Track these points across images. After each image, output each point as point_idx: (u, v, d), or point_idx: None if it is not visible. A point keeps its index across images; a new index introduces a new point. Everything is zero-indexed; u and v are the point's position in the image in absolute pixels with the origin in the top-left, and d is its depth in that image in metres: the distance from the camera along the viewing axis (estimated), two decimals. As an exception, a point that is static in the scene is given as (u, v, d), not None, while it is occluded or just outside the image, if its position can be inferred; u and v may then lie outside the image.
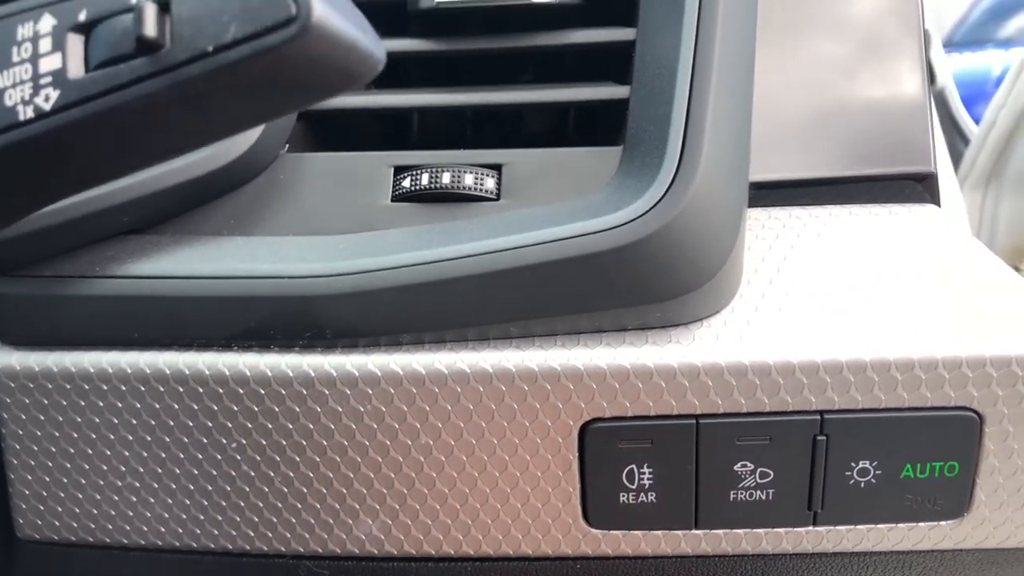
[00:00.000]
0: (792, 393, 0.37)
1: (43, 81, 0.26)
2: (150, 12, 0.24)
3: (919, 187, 0.44)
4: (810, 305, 0.39)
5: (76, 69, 0.26)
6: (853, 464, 0.38)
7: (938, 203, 0.44)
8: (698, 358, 0.37)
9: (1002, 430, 0.38)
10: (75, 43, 0.26)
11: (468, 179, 0.40)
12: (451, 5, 0.42)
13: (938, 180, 0.44)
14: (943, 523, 0.40)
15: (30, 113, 0.26)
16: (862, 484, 0.39)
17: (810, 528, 0.40)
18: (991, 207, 1.00)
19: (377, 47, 0.26)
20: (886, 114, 0.45)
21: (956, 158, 1.02)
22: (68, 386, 0.40)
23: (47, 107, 0.26)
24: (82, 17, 0.26)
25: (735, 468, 0.39)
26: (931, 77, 1.09)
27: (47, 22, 0.26)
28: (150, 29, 0.24)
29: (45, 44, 0.26)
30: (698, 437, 0.38)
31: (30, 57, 0.26)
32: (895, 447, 0.38)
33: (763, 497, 0.39)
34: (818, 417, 0.38)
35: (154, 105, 0.25)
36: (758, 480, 0.39)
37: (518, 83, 0.45)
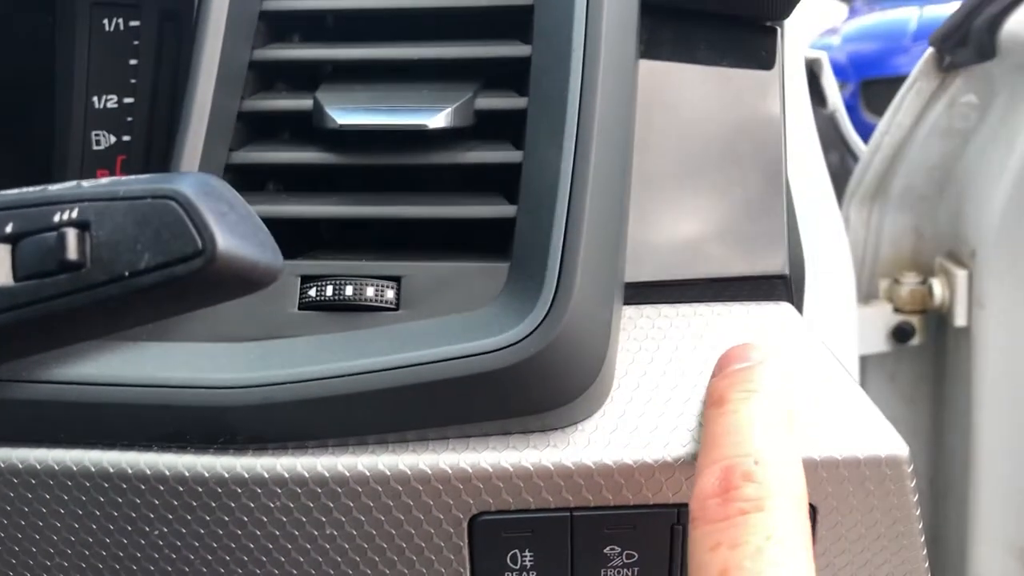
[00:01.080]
0: (652, 489, 0.43)
1: (-25, 286, 0.29)
2: (71, 237, 0.28)
3: (777, 285, 0.50)
4: (669, 408, 0.44)
5: (5, 277, 0.29)
6: (706, 546, 0.44)
7: (791, 300, 0.49)
8: (571, 460, 0.42)
9: (832, 520, 0.44)
10: (3, 253, 0.29)
11: (370, 291, 0.44)
12: (354, 126, 0.46)
13: (790, 281, 0.49)
14: (784, 591, 0.46)
15: (-36, 313, 0.29)
16: (714, 562, 0.44)
17: (671, 598, 0.46)
18: (876, 222, 1.08)
19: (276, 259, 0.30)
20: (748, 220, 0.50)
21: (846, 175, 1.09)
22: (-3, 480, 0.44)
23: (-21, 310, 0.29)
24: (8, 229, 0.29)
25: (604, 551, 0.44)
26: (822, 101, 1.16)
27: (-23, 230, 0.29)
28: (72, 253, 0.28)
29: (-25, 251, 0.29)
30: (572, 527, 0.43)
31: (-39, 262, 0.29)
32: (742, 532, 0.44)
33: (630, 574, 0.45)
34: (675, 510, 0.43)
35: (75, 313, 0.29)
36: (624, 560, 0.44)
37: (421, 192, 0.49)
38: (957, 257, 1.03)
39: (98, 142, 0.59)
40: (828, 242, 0.90)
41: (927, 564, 0.46)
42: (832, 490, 0.43)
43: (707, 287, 0.50)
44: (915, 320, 1.08)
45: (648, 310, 0.49)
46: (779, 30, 0.55)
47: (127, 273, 0.28)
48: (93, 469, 0.43)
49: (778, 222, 0.50)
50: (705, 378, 0.45)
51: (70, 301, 0.28)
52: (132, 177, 0.29)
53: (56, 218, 0.29)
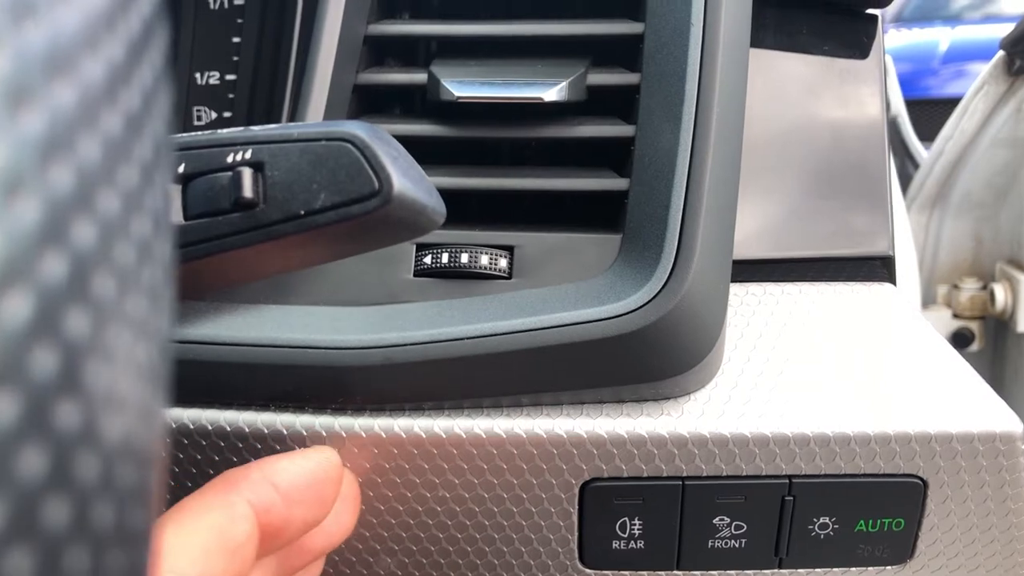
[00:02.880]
0: (765, 460, 0.43)
1: (148, 223, 0.30)
2: (247, 176, 0.29)
3: (879, 266, 0.50)
4: (781, 382, 0.44)
5: (176, 216, 0.30)
6: (815, 519, 0.44)
7: (894, 282, 0.50)
8: (686, 429, 0.43)
9: (942, 494, 0.44)
10: (174, 193, 0.30)
11: (484, 259, 0.45)
12: (471, 99, 0.47)
13: (895, 262, 0.50)
14: (888, 568, 0.46)
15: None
16: (822, 536, 0.45)
17: (776, 571, 0.46)
18: (935, 228, 1.07)
19: (440, 204, 0.30)
20: (853, 200, 0.50)
21: (906, 180, 1.09)
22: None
23: (151, 247, 0.30)
24: (180, 170, 0.30)
25: (714, 521, 0.44)
26: (887, 106, 1.16)
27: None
28: (248, 191, 0.29)
29: (149, 190, 0.30)
30: (683, 496, 0.44)
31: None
32: (851, 506, 0.44)
33: (737, 545, 0.45)
34: (787, 481, 0.43)
35: (246, 252, 0.30)
36: (733, 531, 0.45)
37: (529, 166, 0.49)
38: (1019, 263, 1.02)
39: (199, 118, 0.60)
40: (898, 247, 0.90)
41: (1035, 544, 0.46)
42: (944, 465, 0.43)
43: (811, 266, 0.50)
44: (974, 326, 1.08)
45: (754, 287, 0.49)
46: (879, 18, 0.55)
47: (303, 212, 0.28)
48: (210, 428, 0.44)
49: (882, 203, 0.50)
50: (814, 354, 0.46)
51: (245, 239, 0.29)
52: (301, 123, 0.30)
53: (229, 159, 0.30)
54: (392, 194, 0.28)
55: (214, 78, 0.60)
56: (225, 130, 0.31)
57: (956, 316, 1.08)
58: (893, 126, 1.17)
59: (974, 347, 1.08)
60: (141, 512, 0.15)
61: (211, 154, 0.30)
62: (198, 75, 0.60)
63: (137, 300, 0.15)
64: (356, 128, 0.29)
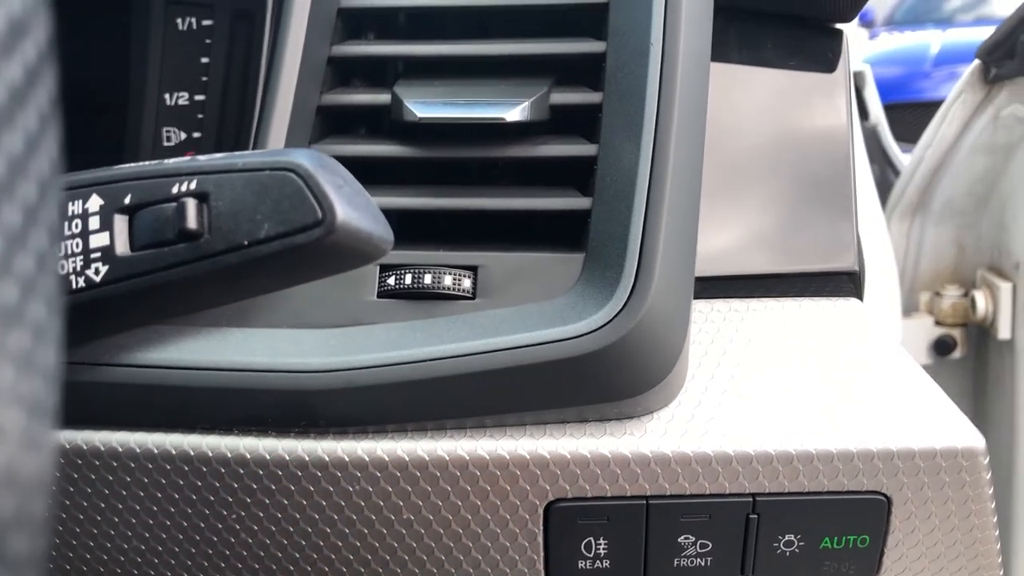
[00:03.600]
0: (729, 479, 0.43)
1: (93, 255, 0.30)
2: (191, 207, 0.29)
3: (845, 281, 0.50)
4: (745, 400, 0.44)
5: (122, 247, 0.30)
6: (780, 537, 0.44)
7: (860, 297, 0.50)
8: (648, 448, 0.43)
9: (906, 510, 0.44)
10: (121, 224, 0.30)
11: (447, 280, 0.45)
12: (432, 119, 0.47)
13: (860, 277, 0.50)
14: (855, 584, 0.46)
15: (81, 283, 0.30)
16: (787, 553, 0.45)
17: (742, 588, 0.46)
18: (917, 236, 1.08)
19: (387, 232, 0.30)
20: (818, 215, 0.50)
21: (887, 188, 1.10)
22: (80, 461, 0.45)
23: (97, 279, 0.30)
24: (127, 201, 0.30)
25: (679, 540, 0.44)
26: (864, 114, 1.17)
27: (95, 202, 0.30)
28: (192, 222, 0.29)
29: (94, 222, 0.30)
30: (648, 515, 0.44)
31: (80, 232, 0.30)
32: (816, 524, 0.44)
33: (703, 563, 0.45)
34: (751, 499, 0.43)
35: (191, 283, 0.30)
36: (699, 550, 0.45)
37: (493, 185, 0.50)
38: (1000, 270, 1.02)
39: (168, 138, 0.60)
40: (874, 254, 0.90)
41: (1000, 559, 0.46)
42: (907, 481, 0.43)
43: (776, 282, 0.50)
44: (956, 333, 1.08)
45: (719, 304, 0.49)
46: (844, 33, 0.56)
47: (246, 242, 0.28)
48: (174, 452, 0.44)
49: (848, 219, 0.50)
50: (777, 371, 0.46)
51: (190, 270, 0.29)
52: (246, 152, 0.30)
53: (174, 189, 0.30)
54: (336, 223, 0.28)
55: (183, 99, 0.60)
56: (171, 160, 0.31)
57: (938, 323, 1.08)
58: (873, 134, 1.17)
59: (956, 354, 1.08)
60: (25, 540, 0.15)
61: (156, 184, 0.30)
62: (167, 96, 0.61)
63: (20, 336, 0.15)
64: (300, 157, 0.29)
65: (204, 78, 0.61)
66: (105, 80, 0.61)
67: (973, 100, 0.96)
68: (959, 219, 1.06)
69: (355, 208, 0.29)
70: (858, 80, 1.15)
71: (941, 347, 1.08)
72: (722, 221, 0.50)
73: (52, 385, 0.17)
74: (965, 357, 1.10)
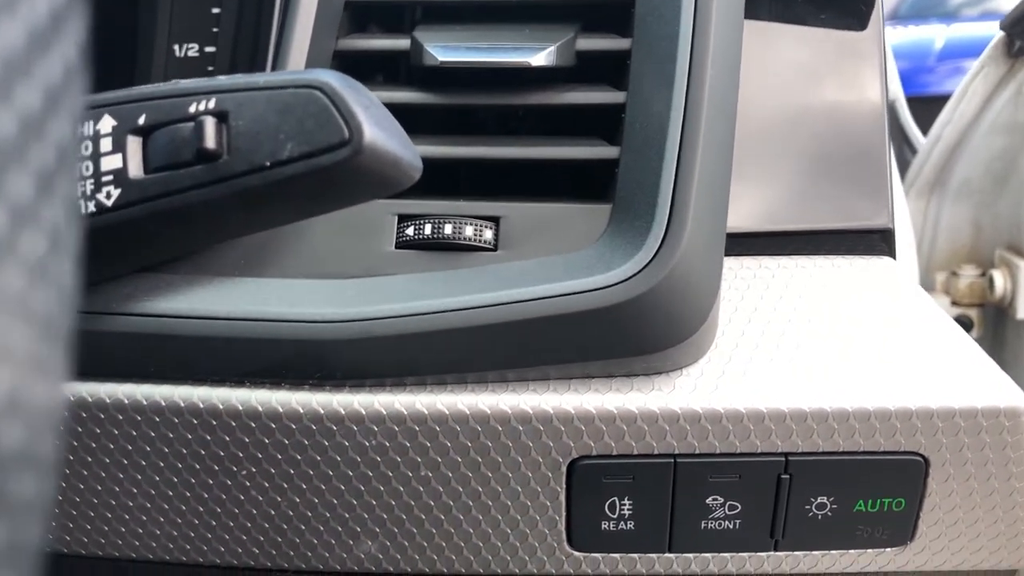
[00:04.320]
0: (761, 437, 0.41)
1: (104, 179, 0.28)
2: (210, 126, 0.27)
3: (878, 240, 0.48)
4: (777, 356, 0.43)
5: (136, 170, 0.28)
6: (812, 499, 0.43)
7: (893, 255, 0.48)
8: (677, 405, 0.41)
9: (944, 472, 0.42)
10: (134, 145, 0.28)
11: (468, 231, 0.43)
12: (454, 64, 0.45)
13: (895, 235, 0.48)
14: (888, 550, 0.44)
15: (91, 208, 0.28)
16: (819, 516, 0.43)
17: (771, 553, 0.44)
18: (933, 214, 1.06)
19: (415, 158, 0.29)
20: (851, 172, 0.48)
21: (904, 166, 1.08)
22: (84, 414, 0.43)
23: (108, 203, 0.28)
24: (141, 121, 0.28)
25: (707, 501, 0.43)
26: (886, 87, 1.14)
27: (107, 123, 0.28)
28: (211, 141, 0.27)
29: (106, 144, 0.28)
30: (675, 474, 0.42)
31: (91, 155, 0.28)
32: (850, 485, 0.42)
33: (731, 526, 0.43)
34: (783, 459, 0.42)
35: (209, 207, 0.28)
36: (727, 512, 0.43)
37: (515, 135, 0.48)
38: (1019, 249, 1.01)
39: (177, 91, 0.58)
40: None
41: (1040, 524, 0.44)
42: (946, 441, 0.41)
43: (808, 239, 0.48)
44: (973, 313, 1.06)
45: (749, 261, 0.48)
46: (877, -13, 0.54)
47: (268, 163, 0.27)
48: (182, 405, 0.42)
49: (882, 176, 0.49)
50: (811, 328, 0.44)
51: (208, 192, 0.27)
52: (268, 72, 0.28)
53: (192, 108, 0.28)
54: (363, 143, 0.26)
55: (193, 50, 0.58)
56: (188, 80, 0.29)
57: (955, 303, 1.06)
58: (891, 110, 1.15)
59: (973, 334, 1.06)
60: (30, 480, 0.13)
61: (173, 104, 0.28)
62: (176, 47, 0.59)
63: (33, 238, 0.13)
64: (326, 75, 0.28)
65: (215, 29, 0.59)
66: (112, 31, 0.59)
67: (995, 74, 0.94)
68: (977, 198, 1.04)
69: (383, 129, 0.27)
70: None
71: (957, 328, 1.06)
72: (752, 178, 0.49)
73: (67, 302, 0.16)
74: (982, 337, 1.08)
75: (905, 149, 1.18)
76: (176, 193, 0.27)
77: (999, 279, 1.01)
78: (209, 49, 0.58)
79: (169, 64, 0.59)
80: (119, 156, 0.28)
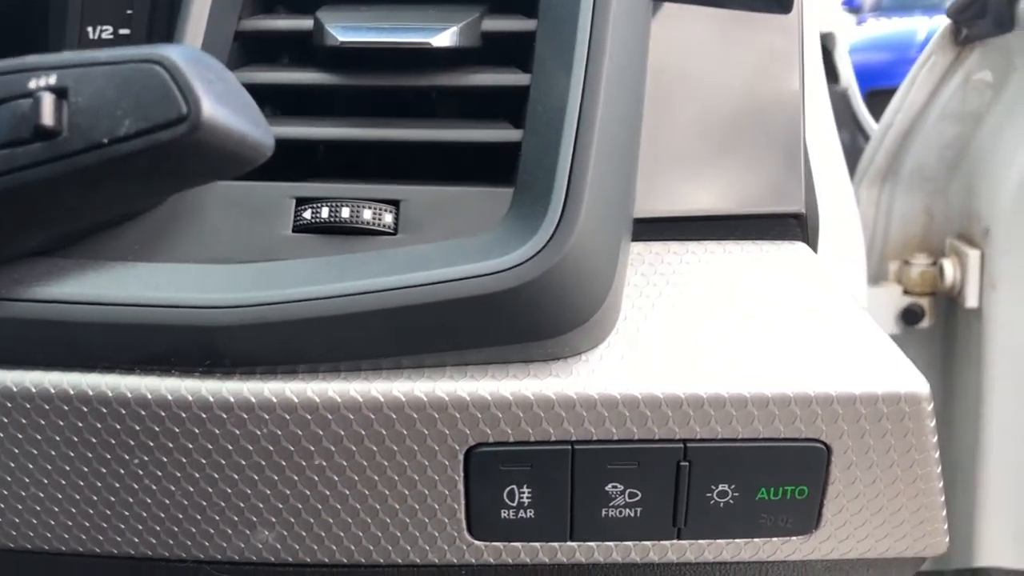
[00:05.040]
0: (658, 424, 0.41)
1: (-57, 155, 0.27)
2: (48, 102, 0.26)
3: (792, 225, 0.48)
4: (679, 342, 0.42)
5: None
6: (713, 487, 0.42)
7: (807, 240, 0.48)
8: (574, 390, 0.40)
9: (847, 459, 0.42)
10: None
11: (367, 214, 0.42)
12: (355, 44, 0.44)
13: (807, 220, 0.47)
14: (794, 538, 0.44)
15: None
16: (721, 504, 0.42)
17: (674, 541, 0.44)
18: (886, 202, 1.06)
19: (266, 136, 0.28)
20: (762, 156, 0.48)
21: (857, 154, 1.07)
22: (-28, 402, 0.42)
23: (-54, 180, 0.27)
24: (-20, 96, 0.27)
25: (606, 488, 0.42)
26: (835, 77, 1.14)
27: (-53, 98, 0.27)
28: (48, 118, 0.26)
29: (-56, 119, 0.27)
30: (573, 461, 0.41)
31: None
32: (751, 473, 0.42)
33: (632, 514, 0.43)
34: (681, 445, 0.41)
35: (48, 185, 0.27)
36: (627, 499, 0.42)
37: (431, 118, 0.47)
38: (969, 238, 1.00)
39: (91, 74, 0.57)
40: (841, 220, 0.88)
41: (944, 512, 0.44)
42: (847, 428, 0.41)
43: (719, 224, 0.48)
44: (924, 302, 1.06)
45: (657, 246, 0.47)
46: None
47: (106, 140, 0.26)
48: (72, 392, 0.41)
49: (795, 160, 0.48)
50: (716, 313, 0.43)
51: (46, 171, 0.26)
52: (118, 47, 0.27)
53: (31, 84, 0.27)
54: (201, 119, 0.25)
55: (107, 32, 0.57)
56: (33, 56, 0.28)
57: (907, 292, 1.06)
58: (843, 99, 1.15)
59: (924, 323, 1.06)
60: None
61: (13, 80, 0.27)
62: (90, 29, 0.57)
63: None
64: (170, 50, 0.27)
65: (129, 11, 0.57)
66: (22, 11, 0.57)
67: (943, 63, 0.94)
68: (929, 185, 1.04)
69: (225, 105, 0.26)
70: (827, 42, 1.12)
71: (909, 316, 1.06)
72: (664, 161, 0.48)
73: None
74: (933, 326, 1.08)
75: (858, 136, 1.18)
76: (14, 171, 0.26)
77: (949, 268, 1.01)
78: (124, 31, 0.57)
79: (82, 46, 0.58)
80: (-43, 133, 0.27)
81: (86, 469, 0.43)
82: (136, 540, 0.45)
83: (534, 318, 0.40)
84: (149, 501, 0.43)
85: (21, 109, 0.27)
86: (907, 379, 0.41)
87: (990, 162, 0.95)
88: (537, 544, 0.44)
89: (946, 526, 0.44)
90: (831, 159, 0.89)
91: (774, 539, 0.44)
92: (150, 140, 0.26)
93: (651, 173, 0.47)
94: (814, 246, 0.49)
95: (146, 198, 0.28)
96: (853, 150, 1.08)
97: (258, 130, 0.27)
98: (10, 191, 0.27)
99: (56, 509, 0.44)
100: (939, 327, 1.08)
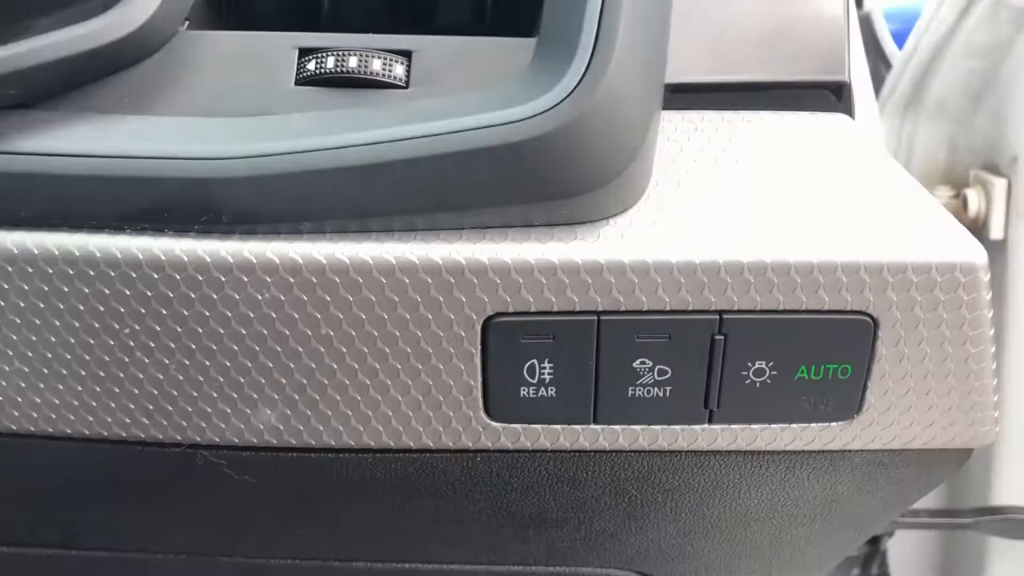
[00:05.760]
0: (693, 292, 0.37)
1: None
2: None
3: (832, 96, 0.44)
4: (716, 208, 0.39)
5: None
6: (749, 364, 0.39)
7: (851, 114, 0.44)
8: (601, 255, 0.37)
9: (894, 335, 0.38)
10: None
11: (376, 65, 0.39)
12: None
13: (852, 90, 0.44)
14: (833, 424, 0.41)
15: None
16: (757, 384, 0.39)
17: (705, 426, 0.41)
18: (908, 132, 1.02)
19: None
20: (804, 22, 0.44)
21: (879, 83, 1.04)
22: (-50, 265, 0.39)
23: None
24: None
25: (634, 365, 0.39)
26: (858, 1, 1.10)
27: None
28: None
29: None
30: (599, 333, 0.38)
31: None
32: (791, 348, 0.39)
33: (661, 394, 0.40)
34: (717, 317, 0.38)
35: None
36: (656, 377, 0.39)
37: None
38: (995, 167, 0.97)
39: None
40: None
41: (996, 397, 0.41)
42: (896, 300, 0.38)
43: (755, 95, 0.44)
44: (946, 235, 1.02)
45: (691, 115, 0.44)
46: None
47: None
48: (57, 253, 0.38)
49: (839, 28, 0.44)
50: (753, 181, 0.40)
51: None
52: None
53: None
54: None
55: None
56: None
57: (927, 225, 1.03)
58: (866, 23, 1.11)
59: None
60: None
61: None
62: None
63: None
64: None
65: None
66: None
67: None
68: (953, 114, 1.00)
69: None
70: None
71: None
72: (697, 23, 0.44)
73: None
74: (954, 260, 1.04)
75: (880, 64, 1.14)
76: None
77: (973, 198, 0.98)
78: None
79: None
80: None
81: (72, 340, 0.40)
82: (127, 421, 0.41)
83: (560, 172, 0.36)
84: (141, 376, 0.40)
85: None
86: (963, 247, 0.38)
87: (1021, 86, 0.91)
88: (558, 427, 0.40)
89: (997, 413, 0.41)
90: (859, 81, 0.85)
91: (812, 425, 0.41)
92: None
93: (684, 35, 0.43)
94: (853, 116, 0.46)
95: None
96: (875, 78, 1.04)
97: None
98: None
99: (42, 386, 0.41)
100: (960, 261, 1.05)
